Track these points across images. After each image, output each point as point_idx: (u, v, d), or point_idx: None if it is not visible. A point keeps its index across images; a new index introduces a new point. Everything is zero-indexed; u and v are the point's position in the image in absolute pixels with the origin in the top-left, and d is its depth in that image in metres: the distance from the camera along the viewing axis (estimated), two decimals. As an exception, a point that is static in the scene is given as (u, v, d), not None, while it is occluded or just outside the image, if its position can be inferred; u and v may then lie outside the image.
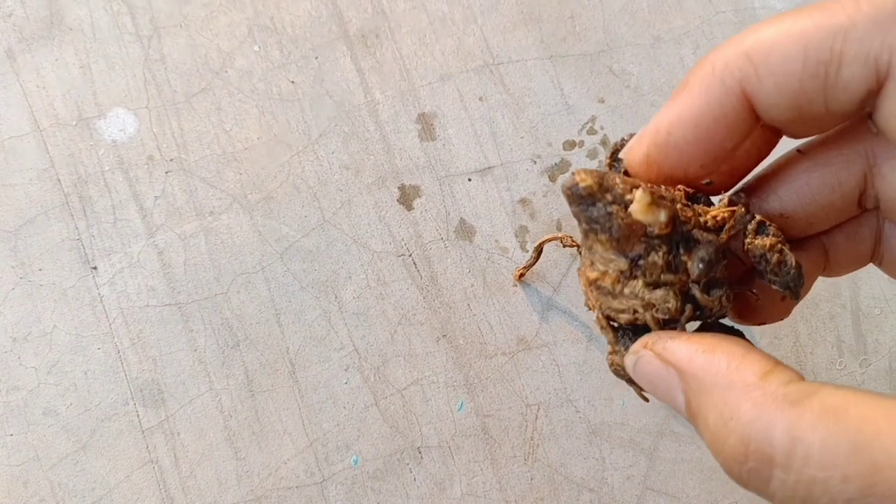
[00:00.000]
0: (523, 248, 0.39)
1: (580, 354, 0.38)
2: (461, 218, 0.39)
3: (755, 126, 0.21)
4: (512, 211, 0.39)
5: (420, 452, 0.36)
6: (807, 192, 0.23)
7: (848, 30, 0.18)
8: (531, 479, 0.36)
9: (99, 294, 0.37)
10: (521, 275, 0.38)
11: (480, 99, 0.40)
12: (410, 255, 0.38)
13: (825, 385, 0.18)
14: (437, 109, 0.40)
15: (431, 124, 0.39)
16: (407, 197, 0.39)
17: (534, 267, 0.38)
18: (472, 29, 0.40)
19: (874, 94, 0.19)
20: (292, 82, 0.39)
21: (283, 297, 0.37)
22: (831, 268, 0.25)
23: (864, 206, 0.23)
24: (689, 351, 0.20)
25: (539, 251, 0.37)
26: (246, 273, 0.37)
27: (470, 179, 0.39)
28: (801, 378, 0.19)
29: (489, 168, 0.39)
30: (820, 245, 0.25)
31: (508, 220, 0.39)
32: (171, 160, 0.38)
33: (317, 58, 0.40)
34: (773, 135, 0.22)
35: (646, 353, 0.21)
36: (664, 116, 0.21)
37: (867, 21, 0.18)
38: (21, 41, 0.39)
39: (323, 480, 0.36)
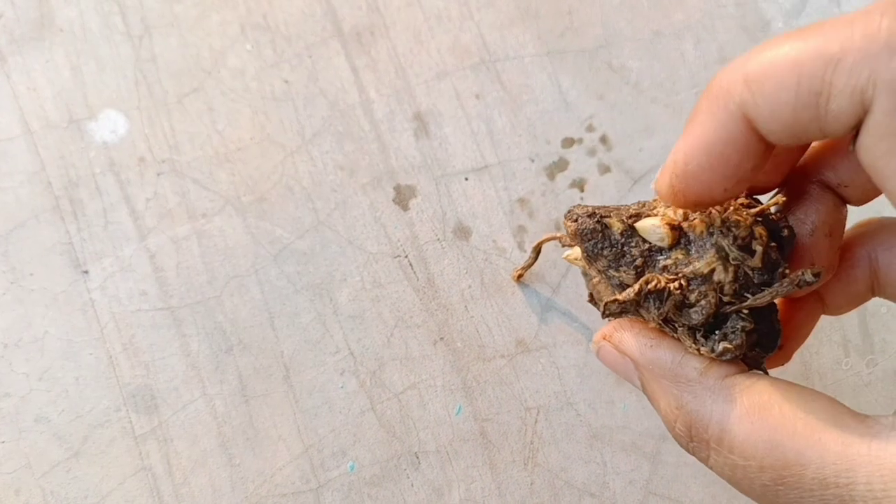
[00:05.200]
0: (521, 249, 0.38)
1: (580, 357, 0.37)
2: (458, 218, 0.38)
3: (770, 147, 0.21)
4: (510, 210, 0.38)
5: (417, 458, 0.36)
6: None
7: (839, 60, 0.18)
8: (531, 485, 0.36)
9: (90, 298, 0.36)
10: (520, 275, 0.37)
11: (477, 97, 0.39)
12: (406, 257, 0.37)
13: (761, 379, 0.21)
14: (433, 108, 0.39)
15: (427, 123, 0.39)
16: (402, 197, 0.38)
17: (532, 267, 0.37)
18: (469, 25, 0.40)
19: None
20: (286, 81, 0.39)
21: (277, 301, 0.37)
22: (830, 310, 0.26)
23: None
24: (638, 345, 0.23)
25: (537, 251, 0.36)
26: (239, 276, 0.37)
27: (467, 179, 0.38)
28: (741, 369, 0.22)
29: (486, 167, 0.38)
30: (815, 295, 0.26)
31: (506, 220, 0.38)
32: (162, 162, 0.38)
33: (310, 56, 0.39)
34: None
35: (605, 344, 0.25)
36: (680, 147, 0.21)
37: (856, 52, 0.18)
38: (11, 42, 0.38)
39: (318, 487, 0.35)
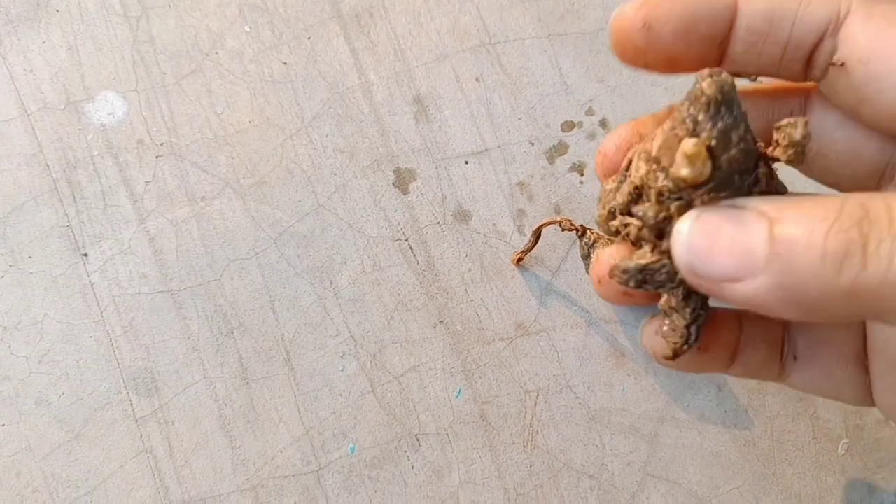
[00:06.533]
0: (521, 232, 0.38)
1: (579, 340, 0.37)
2: (458, 201, 0.38)
3: (726, 37, 0.23)
4: (509, 194, 0.38)
5: (418, 440, 0.36)
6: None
7: None
8: (530, 466, 0.36)
9: (90, 281, 0.36)
10: (520, 259, 0.37)
11: (477, 79, 0.39)
12: (406, 240, 0.37)
13: None
14: (433, 90, 0.39)
15: (427, 106, 0.39)
16: (402, 180, 0.38)
17: (532, 251, 0.37)
18: (468, 7, 0.40)
19: (832, 30, 0.22)
20: (284, 63, 0.38)
21: (278, 284, 0.37)
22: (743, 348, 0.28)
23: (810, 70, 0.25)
24: (758, 198, 0.20)
25: (537, 235, 0.36)
26: (239, 259, 0.37)
27: (467, 162, 0.38)
28: None
29: (486, 150, 0.38)
30: (735, 318, 0.28)
31: (506, 204, 0.38)
32: (161, 144, 0.37)
33: (309, 38, 0.39)
34: None
35: (709, 207, 0.21)
36: None
37: None
38: (7, 23, 0.38)
39: (319, 469, 0.35)
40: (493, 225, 0.38)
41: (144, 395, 0.35)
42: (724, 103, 0.21)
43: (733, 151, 0.21)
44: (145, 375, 0.36)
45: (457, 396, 0.36)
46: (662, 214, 0.23)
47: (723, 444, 0.36)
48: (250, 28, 0.39)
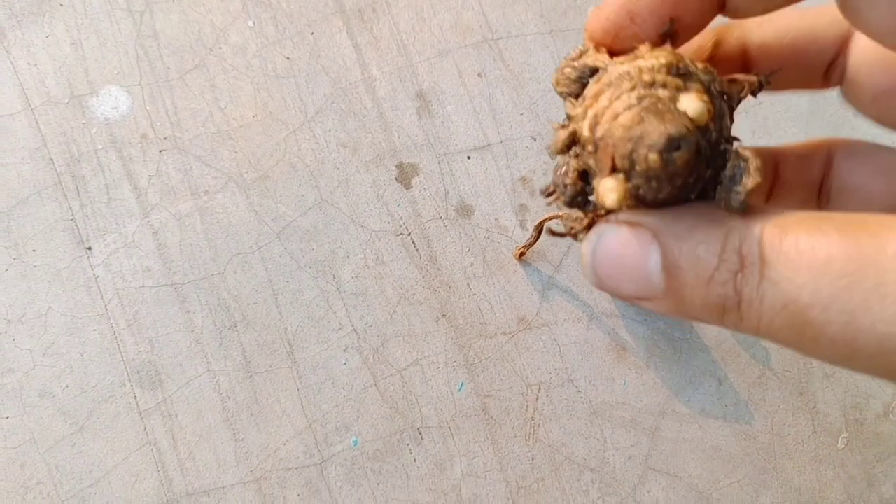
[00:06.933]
0: (523, 227, 0.38)
1: (581, 334, 0.37)
2: (460, 196, 0.38)
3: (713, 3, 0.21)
4: (512, 189, 0.38)
5: (420, 433, 0.36)
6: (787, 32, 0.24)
7: None
8: (532, 460, 0.36)
9: (94, 275, 0.36)
10: (522, 254, 0.37)
11: (479, 75, 0.39)
12: (409, 234, 0.38)
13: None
14: (436, 86, 0.39)
15: (429, 101, 0.39)
16: (405, 175, 0.38)
17: (534, 246, 0.37)
18: (471, 3, 0.40)
19: None
20: (287, 58, 0.39)
21: (281, 278, 0.37)
22: (777, 191, 0.26)
23: (829, 78, 0.23)
24: (657, 214, 0.20)
25: (539, 230, 0.37)
26: (243, 253, 0.37)
27: (469, 157, 0.38)
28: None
29: (488, 145, 0.39)
30: (772, 158, 0.26)
31: (508, 199, 0.38)
32: (164, 138, 0.37)
33: (312, 33, 0.39)
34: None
35: (610, 226, 0.21)
36: None
37: None
38: (11, 17, 0.38)
39: (322, 461, 0.36)
40: (496, 220, 0.38)
41: (148, 388, 0.36)
42: (665, 176, 0.19)
43: (662, 196, 0.19)
44: (149, 368, 0.36)
45: (459, 390, 0.37)
46: (579, 197, 0.21)
47: (723, 438, 0.37)
48: (254, 23, 0.39)
